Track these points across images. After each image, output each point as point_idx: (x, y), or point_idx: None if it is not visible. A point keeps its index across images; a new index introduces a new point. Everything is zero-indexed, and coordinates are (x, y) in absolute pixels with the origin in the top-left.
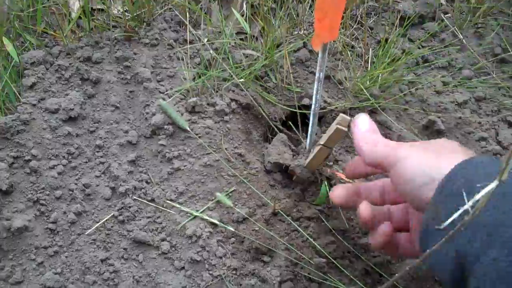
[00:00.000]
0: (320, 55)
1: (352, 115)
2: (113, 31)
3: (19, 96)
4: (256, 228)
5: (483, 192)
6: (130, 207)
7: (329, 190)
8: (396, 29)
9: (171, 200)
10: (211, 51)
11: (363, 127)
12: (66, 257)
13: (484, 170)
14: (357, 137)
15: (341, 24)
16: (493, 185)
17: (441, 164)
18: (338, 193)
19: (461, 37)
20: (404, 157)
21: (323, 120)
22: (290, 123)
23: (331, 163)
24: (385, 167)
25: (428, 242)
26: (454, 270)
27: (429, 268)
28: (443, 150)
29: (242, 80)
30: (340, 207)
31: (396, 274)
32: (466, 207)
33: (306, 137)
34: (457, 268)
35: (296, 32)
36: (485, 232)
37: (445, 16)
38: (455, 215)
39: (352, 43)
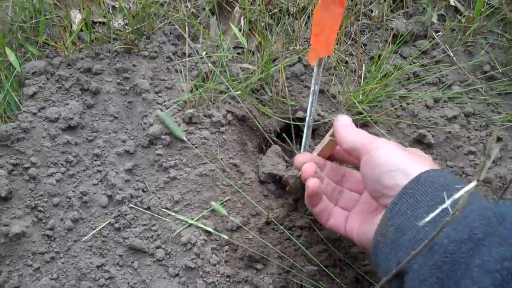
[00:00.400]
0: (315, 69)
1: None
2: (114, 44)
3: (20, 105)
4: (250, 237)
5: (462, 191)
6: (126, 214)
7: None
8: (389, 46)
9: (166, 208)
10: (209, 64)
11: (345, 121)
12: (62, 263)
13: (433, 186)
14: (338, 126)
15: (336, 40)
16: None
17: (411, 164)
18: (302, 158)
19: (452, 54)
20: (381, 146)
21: (317, 132)
22: (284, 135)
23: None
24: (360, 152)
25: (377, 255)
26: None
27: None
28: (416, 155)
29: (238, 92)
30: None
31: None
32: (445, 205)
33: (300, 148)
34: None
35: (291, 48)
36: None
37: (437, 34)
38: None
39: (346, 58)
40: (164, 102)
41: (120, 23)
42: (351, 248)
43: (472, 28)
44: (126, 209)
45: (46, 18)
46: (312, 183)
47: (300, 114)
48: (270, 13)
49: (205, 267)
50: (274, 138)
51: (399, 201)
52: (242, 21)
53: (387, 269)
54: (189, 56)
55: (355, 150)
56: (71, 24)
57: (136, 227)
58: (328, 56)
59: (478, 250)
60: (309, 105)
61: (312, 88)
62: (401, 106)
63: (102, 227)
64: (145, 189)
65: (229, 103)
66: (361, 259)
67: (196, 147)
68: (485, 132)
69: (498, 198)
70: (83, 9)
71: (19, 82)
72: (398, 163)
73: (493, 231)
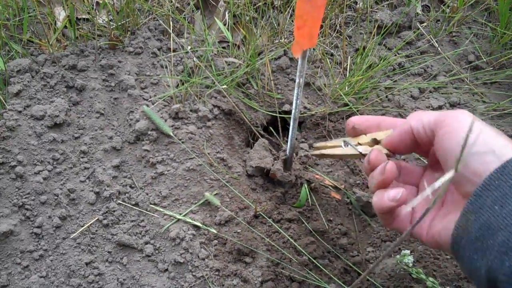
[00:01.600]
0: (300, 61)
1: (331, 120)
2: (98, 40)
3: (5, 103)
4: (238, 230)
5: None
6: (114, 211)
7: (309, 193)
8: (373, 38)
9: (154, 204)
10: (194, 59)
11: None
12: (51, 260)
13: None
14: (390, 138)
15: (320, 32)
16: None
17: (506, 146)
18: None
19: (436, 45)
20: (460, 113)
21: (303, 125)
22: (271, 128)
23: (311, 167)
24: (436, 126)
25: (459, 251)
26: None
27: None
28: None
29: (224, 87)
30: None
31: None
32: None
33: (287, 141)
34: (490, 285)
35: (277, 41)
36: None
37: (421, 25)
38: None
39: (331, 51)
40: (150, 97)
41: (104, 19)
42: (339, 239)
43: (456, 18)
44: (114, 206)
45: (29, 16)
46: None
47: (286, 107)
48: (255, 6)
49: (194, 261)
50: (261, 132)
51: (483, 194)
52: (226, 15)
53: (474, 269)
54: (174, 51)
55: (428, 129)
56: (55, 21)
57: (124, 223)
58: (313, 49)
59: None
60: (295, 97)
61: (297, 80)
62: (387, 97)
63: (91, 224)
64: (132, 185)
65: (215, 98)
66: (350, 250)
67: (183, 142)
68: None
69: None
70: (67, 6)
71: (3, 81)
72: (490, 142)
73: None
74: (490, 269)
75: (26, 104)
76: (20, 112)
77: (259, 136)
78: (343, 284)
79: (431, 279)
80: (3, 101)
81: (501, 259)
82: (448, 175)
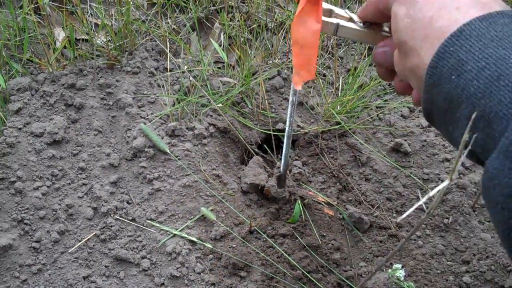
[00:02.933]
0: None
1: (324, 139)
2: (97, 60)
3: (5, 120)
4: (233, 245)
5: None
6: (111, 226)
7: (303, 209)
8: (364, 59)
9: (151, 219)
10: (191, 78)
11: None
12: (49, 274)
13: (480, 42)
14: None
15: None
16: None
17: (464, 4)
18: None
19: None
20: None
21: (297, 143)
22: (265, 146)
23: (303, 185)
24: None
25: (433, 120)
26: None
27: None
28: None
29: (219, 105)
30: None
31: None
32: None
33: (281, 159)
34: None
35: (271, 61)
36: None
37: None
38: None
39: (324, 71)
40: (147, 116)
41: (102, 40)
42: (333, 254)
43: None
44: (111, 221)
45: (30, 36)
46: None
47: (280, 125)
48: (249, 28)
49: (190, 275)
50: (256, 149)
51: (438, 63)
52: (222, 36)
53: (453, 138)
54: (171, 71)
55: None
56: (55, 41)
57: (121, 238)
58: (313, 81)
59: None
60: (288, 115)
61: (290, 98)
62: (377, 116)
63: (88, 239)
64: (129, 201)
65: (211, 116)
66: (343, 265)
67: (179, 159)
68: None
69: (473, 204)
70: (66, 27)
71: (4, 99)
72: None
73: None
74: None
75: (26, 121)
76: (20, 129)
77: (254, 154)
78: None
79: None
80: (4, 118)
81: (472, 133)
82: (443, 184)
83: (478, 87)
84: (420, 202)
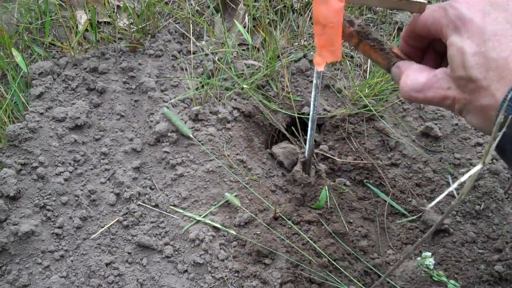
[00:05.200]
0: None
1: (351, 123)
2: (119, 43)
3: (27, 105)
4: (258, 232)
5: (467, 175)
6: (134, 212)
7: (328, 195)
8: (393, 40)
9: (174, 205)
10: (214, 61)
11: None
12: (71, 261)
13: None
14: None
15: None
16: (477, 168)
17: None
18: None
19: None
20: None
21: (323, 127)
22: (293, 128)
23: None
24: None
25: (505, 152)
26: None
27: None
28: None
29: (246, 86)
30: None
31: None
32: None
33: (305, 144)
34: None
35: (296, 43)
36: None
37: None
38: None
39: (351, 53)
40: (170, 99)
41: (125, 23)
42: (359, 241)
43: None
44: (134, 207)
45: (51, 19)
46: None
47: (306, 109)
48: (274, 9)
49: (214, 262)
50: (284, 132)
51: None
52: (246, 18)
53: None
54: (194, 53)
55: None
56: (77, 24)
57: (144, 225)
58: (340, 63)
59: None
60: (312, 98)
61: (314, 81)
62: None
63: (111, 225)
64: (152, 187)
65: (235, 100)
66: (370, 253)
67: (202, 144)
68: None
69: (506, 190)
70: (88, 9)
71: (26, 83)
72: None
73: None
74: None
75: (47, 106)
76: (42, 114)
77: (283, 135)
78: (363, 286)
79: (452, 282)
80: (26, 103)
81: None
82: (475, 169)
83: None
84: (451, 188)
